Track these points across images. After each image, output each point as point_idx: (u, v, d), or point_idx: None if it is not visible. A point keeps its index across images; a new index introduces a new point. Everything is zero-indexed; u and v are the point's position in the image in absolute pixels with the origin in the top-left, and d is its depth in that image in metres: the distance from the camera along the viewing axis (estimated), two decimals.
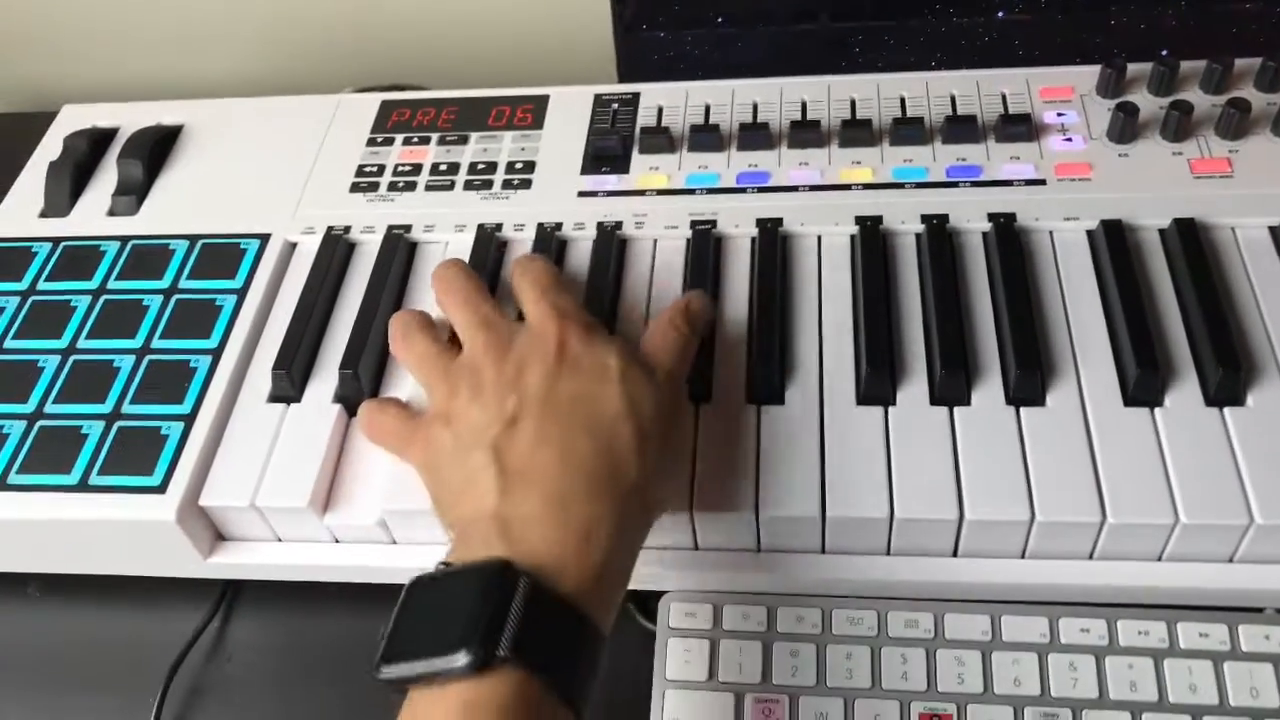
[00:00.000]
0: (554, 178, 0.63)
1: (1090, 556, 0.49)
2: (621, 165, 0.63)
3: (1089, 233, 0.57)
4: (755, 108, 0.65)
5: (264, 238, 0.62)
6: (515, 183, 0.63)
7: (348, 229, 0.62)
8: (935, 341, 0.52)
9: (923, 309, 0.55)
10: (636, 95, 0.67)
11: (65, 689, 0.55)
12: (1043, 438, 0.49)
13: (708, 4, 0.68)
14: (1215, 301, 0.52)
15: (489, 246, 0.59)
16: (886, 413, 0.51)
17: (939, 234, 0.57)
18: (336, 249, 0.61)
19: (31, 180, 0.68)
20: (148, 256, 0.62)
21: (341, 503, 0.52)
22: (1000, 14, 0.67)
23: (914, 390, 0.51)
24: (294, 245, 0.62)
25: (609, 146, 0.63)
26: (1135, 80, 0.63)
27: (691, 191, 0.61)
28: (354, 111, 0.69)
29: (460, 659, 0.38)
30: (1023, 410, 0.50)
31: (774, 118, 0.64)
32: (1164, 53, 0.63)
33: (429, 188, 0.64)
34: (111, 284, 0.61)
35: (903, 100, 0.64)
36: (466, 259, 0.59)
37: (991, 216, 0.57)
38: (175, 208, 0.65)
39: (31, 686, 0.55)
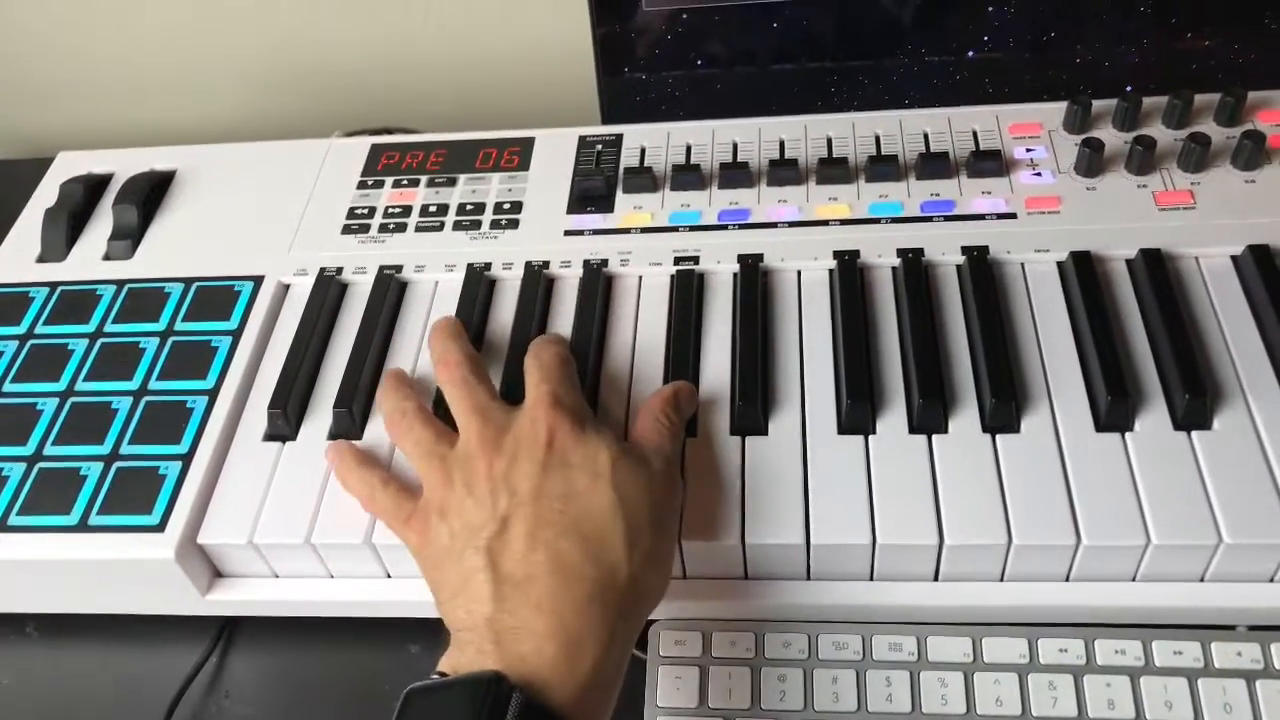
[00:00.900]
0: (541, 217, 0.65)
1: (1067, 578, 0.50)
2: (606, 204, 0.65)
3: (1059, 264, 0.58)
4: (735, 147, 0.67)
5: (258, 279, 0.63)
6: (503, 223, 0.64)
7: (340, 270, 0.63)
8: (913, 372, 0.54)
9: (900, 340, 0.56)
10: (620, 136, 0.68)
11: None
12: (1018, 464, 0.50)
13: (688, 47, 0.70)
14: (1181, 329, 0.53)
15: (478, 285, 0.61)
16: (867, 442, 0.52)
17: (914, 267, 0.58)
18: (329, 290, 0.62)
19: (28, 226, 0.69)
20: (143, 299, 0.63)
21: (332, 529, 0.52)
22: (971, 53, 0.69)
23: (893, 419, 0.53)
24: (287, 287, 0.63)
25: (594, 186, 0.65)
26: (1101, 116, 0.65)
27: (674, 229, 0.63)
28: (344, 155, 0.70)
29: None
30: (998, 437, 0.51)
31: (753, 157, 0.66)
32: (1128, 89, 0.65)
33: (419, 229, 0.65)
34: (108, 327, 0.62)
35: (877, 138, 0.66)
36: (456, 298, 0.60)
37: (965, 250, 0.59)
38: (170, 251, 0.66)
39: None
